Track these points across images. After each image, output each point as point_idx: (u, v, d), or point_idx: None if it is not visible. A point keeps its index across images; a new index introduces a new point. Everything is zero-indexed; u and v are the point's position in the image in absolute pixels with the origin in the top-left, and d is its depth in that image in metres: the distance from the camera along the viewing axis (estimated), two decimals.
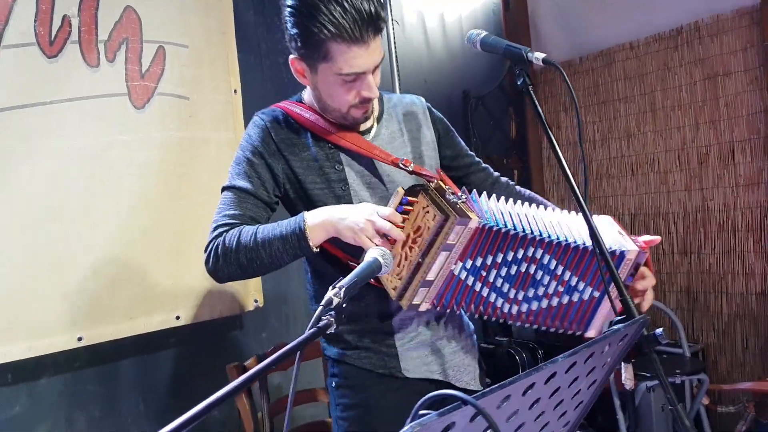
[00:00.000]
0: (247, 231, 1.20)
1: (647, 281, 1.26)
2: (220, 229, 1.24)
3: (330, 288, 0.91)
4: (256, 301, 2.26)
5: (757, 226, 2.78)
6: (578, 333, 1.27)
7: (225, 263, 1.21)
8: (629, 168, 3.21)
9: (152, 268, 1.99)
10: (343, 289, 0.91)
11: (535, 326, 1.27)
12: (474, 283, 1.20)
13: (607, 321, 1.26)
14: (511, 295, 1.23)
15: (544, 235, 1.19)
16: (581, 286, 1.23)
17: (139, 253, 1.96)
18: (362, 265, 1.00)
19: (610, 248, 1.18)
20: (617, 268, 1.16)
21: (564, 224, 1.24)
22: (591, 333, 1.27)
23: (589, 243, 1.19)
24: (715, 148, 2.89)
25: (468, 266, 1.18)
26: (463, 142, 1.47)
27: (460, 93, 3.27)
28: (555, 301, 1.24)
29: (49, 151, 1.78)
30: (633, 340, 0.92)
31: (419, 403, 0.63)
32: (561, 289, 1.23)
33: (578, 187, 1.15)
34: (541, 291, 1.23)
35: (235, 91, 2.20)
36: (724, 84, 2.83)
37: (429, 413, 0.61)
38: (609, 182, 3.27)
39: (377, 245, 1.12)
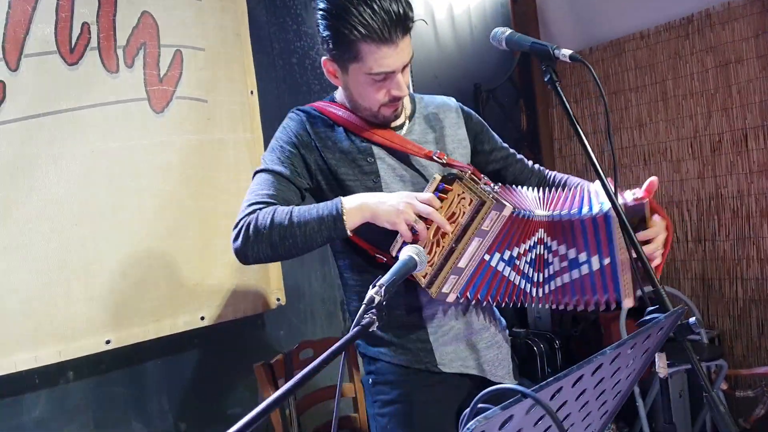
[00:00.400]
0: (282, 210, 1.21)
1: (648, 233, 1.20)
2: (255, 206, 1.24)
3: (371, 287, 0.93)
4: (278, 299, 2.29)
5: None
6: (613, 305, 1.24)
7: (256, 240, 1.20)
8: (642, 157, 3.22)
9: (177, 269, 2.01)
10: (384, 287, 0.94)
11: (560, 306, 1.27)
12: (510, 274, 1.23)
13: (637, 285, 1.22)
14: (535, 278, 1.25)
15: (548, 215, 1.20)
16: (582, 257, 1.22)
17: (163, 254, 1.98)
18: (399, 263, 1.02)
19: (594, 212, 1.17)
20: (611, 230, 1.17)
21: (576, 197, 1.25)
22: (627, 302, 1.23)
23: (574, 211, 1.18)
24: (727, 135, 2.89)
25: (506, 257, 1.21)
26: (497, 136, 1.51)
27: (471, 86, 3.27)
28: (567, 278, 1.24)
29: (74, 157, 1.80)
30: (671, 329, 0.93)
31: (478, 396, 0.65)
32: (565, 264, 1.23)
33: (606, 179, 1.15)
34: (551, 270, 1.24)
35: (252, 92, 2.22)
36: (736, 71, 2.83)
37: (489, 407, 0.63)
38: (622, 172, 3.28)
39: (415, 230, 1.14)
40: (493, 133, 1.50)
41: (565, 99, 1.19)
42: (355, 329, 0.90)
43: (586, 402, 0.84)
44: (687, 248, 3.09)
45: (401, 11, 1.17)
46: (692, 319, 1.02)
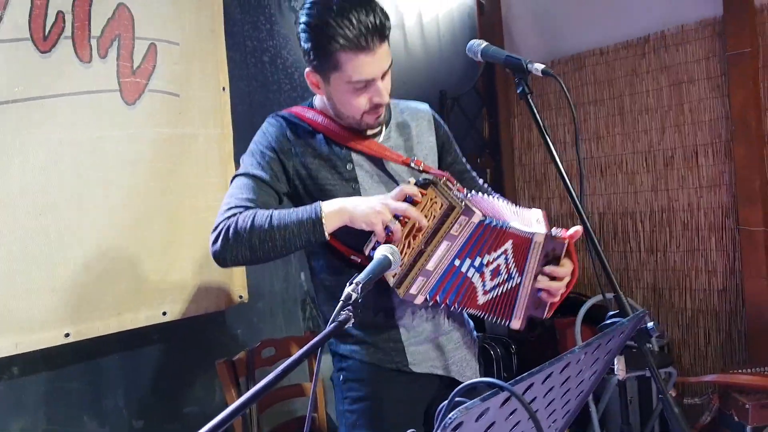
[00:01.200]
0: (262, 213, 1.24)
1: (558, 270, 1.26)
2: (234, 210, 1.26)
3: (348, 284, 0.96)
4: (240, 296, 2.28)
5: (719, 225, 2.94)
6: (506, 323, 1.31)
7: (235, 244, 1.23)
8: (598, 169, 3.35)
9: (141, 263, 1.99)
10: (360, 284, 0.97)
11: (481, 317, 1.32)
12: (477, 280, 1.28)
13: (529, 312, 1.30)
14: (488, 287, 1.30)
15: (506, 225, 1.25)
16: (515, 273, 1.27)
17: (128, 248, 1.96)
18: (374, 262, 1.05)
19: (522, 230, 1.23)
20: (529, 251, 1.24)
21: (518, 213, 1.30)
22: (515, 324, 1.30)
23: (530, 230, 1.24)
24: (679, 151, 3.04)
25: (476, 264, 1.26)
26: (459, 150, 1.56)
27: (437, 93, 3.33)
28: (501, 290, 1.30)
29: (41, 145, 1.76)
30: (631, 332, 1.00)
31: (456, 390, 0.69)
32: (506, 276, 1.29)
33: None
34: (500, 280, 1.29)
35: (224, 89, 2.22)
36: (689, 90, 2.98)
37: (465, 400, 0.67)
38: (585, 184, 3.39)
39: (389, 231, 1.19)
40: (456, 146, 1.55)
41: (536, 110, 1.24)
42: (333, 325, 0.92)
43: (552, 400, 0.89)
44: (640, 258, 3.22)
45: (378, 21, 1.22)
46: (650, 324, 1.09)
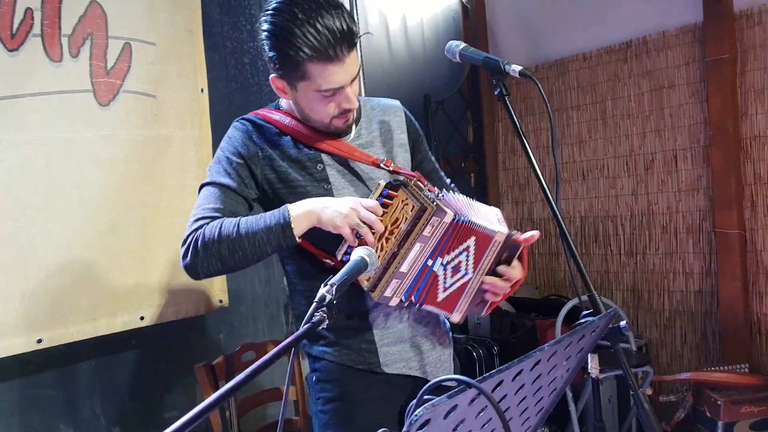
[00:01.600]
0: (229, 222, 1.22)
1: (510, 270, 1.29)
2: (201, 222, 1.24)
3: (322, 285, 0.95)
4: (221, 301, 2.26)
5: (696, 228, 2.97)
6: (447, 317, 1.33)
7: (205, 256, 1.21)
8: (580, 173, 3.36)
9: (116, 267, 1.96)
10: (335, 286, 0.95)
11: (422, 306, 1.32)
12: (445, 277, 1.28)
13: (470, 309, 1.32)
14: (447, 283, 1.30)
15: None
16: (471, 269, 1.28)
17: (102, 251, 1.92)
18: (350, 263, 1.04)
19: (486, 229, 1.24)
20: (487, 250, 1.25)
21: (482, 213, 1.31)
22: (455, 317, 1.32)
23: (493, 228, 1.25)
24: (659, 155, 3.06)
25: (445, 262, 1.25)
26: (429, 150, 1.55)
27: (421, 97, 3.34)
28: (456, 285, 1.30)
29: (11, 146, 1.73)
30: (604, 330, 0.99)
31: (425, 387, 0.68)
32: (464, 272, 1.29)
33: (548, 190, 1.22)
34: (459, 276, 1.29)
35: (202, 90, 2.19)
36: (669, 96, 3.01)
37: (433, 398, 0.66)
38: (561, 186, 3.41)
39: (357, 235, 1.17)
40: (426, 145, 1.54)
41: (513, 112, 1.24)
42: (306, 326, 0.91)
43: (524, 397, 0.88)
44: (620, 261, 3.24)
45: (345, 27, 1.19)
46: (623, 323, 1.09)
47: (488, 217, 1.29)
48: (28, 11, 1.76)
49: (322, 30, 1.17)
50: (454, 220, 1.22)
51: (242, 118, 1.38)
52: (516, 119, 1.24)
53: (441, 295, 1.31)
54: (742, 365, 2.66)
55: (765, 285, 2.75)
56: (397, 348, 1.37)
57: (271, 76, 1.30)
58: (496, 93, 1.24)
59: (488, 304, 1.33)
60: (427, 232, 1.21)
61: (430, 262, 1.25)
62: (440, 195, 1.25)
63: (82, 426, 1.98)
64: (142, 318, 2.03)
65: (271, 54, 1.24)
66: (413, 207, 1.21)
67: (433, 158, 1.55)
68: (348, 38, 1.20)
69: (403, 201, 1.23)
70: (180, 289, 2.13)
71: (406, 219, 1.21)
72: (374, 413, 1.32)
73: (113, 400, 2.05)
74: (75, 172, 1.86)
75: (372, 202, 1.22)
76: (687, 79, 2.94)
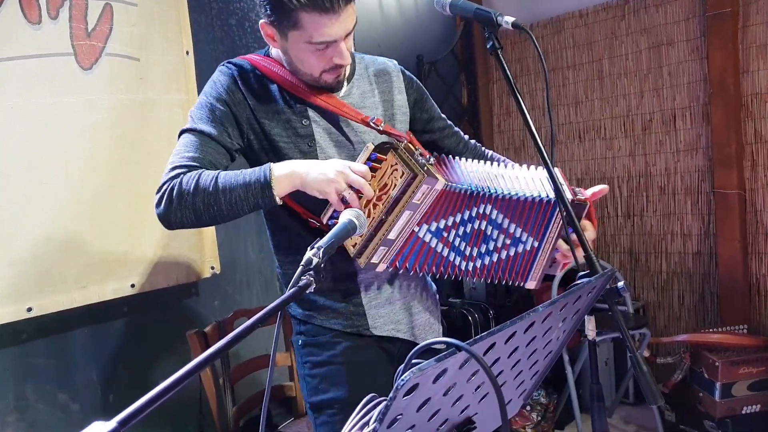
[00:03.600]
0: (207, 175, 1.16)
1: (587, 233, 1.22)
2: (178, 170, 1.18)
3: (308, 248, 0.91)
4: (212, 268, 2.23)
5: (694, 189, 2.93)
6: (520, 284, 1.29)
7: (179, 206, 1.16)
8: (577, 134, 3.31)
9: (105, 234, 1.93)
10: (322, 249, 0.92)
11: (486, 280, 1.30)
12: (436, 245, 1.24)
13: (544, 272, 1.29)
14: (467, 252, 1.26)
15: (499, 192, 1.22)
16: (524, 236, 1.25)
17: (90, 218, 1.89)
18: (338, 226, 1.00)
19: (545, 197, 1.20)
20: (552, 218, 1.20)
21: (521, 178, 1.25)
22: (531, 284, 1.29)
23: (530, 193, 1.21)
24: (657, 115, 3.01)
25: (433, 229, 1.22)
26: (436, 106, 1.48)
27: (414, 57, 3.26)
28: (504, 254, 1.27)
29: None
30: (601, 291, 0.97)
31: (413, 350, 0.65)
32: (508, 241, 1.26)
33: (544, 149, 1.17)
34: (491, 245, 1.26)
35: (188, 53, 2.13)
36: (668, 53, 2.94)
37: (422, 362, 0.63)
38: (557, 148, 3.37)
39: (344, 200, 1.13)
40: (433, 102, 1.48)
41: (506, 66, 1.19)
42: (292, 290, 0.88)
43: (518, 360, 0.86)
44: (617, 223, 3.22)
45: None
46: (620, 284, 1.06)
47: (519, 182, 1.23)
48: None
49: None
50: (445, 187, 1.17)
51: (229, 62, 1.30)
52: (509, 73, 1.18)
53: (468, 264, 1.27)
54: (740, 326, 2.66)
55: (765, 245, 2.73)
56: (385, 310, 1.34)
57: (261, 21, 1.23)
58: (488, 47, 1.18)
59: (560, 265, 1.29)
60: (417, 199, 1.17)
61: (416, 229, 1.22)
62: (431, 159, 1.20)
63: (77, 393, 1.98)
64: (132, 285, 2.01)
65: None
66: (403, 173, 1.15)
67: (443, 116, 1.48)
68: None
69: (392, 165, 1.17)
70: (171, 256, 2.10)
71: (395, 185, 1.16)
72: (364, 375, 1.30)
73: (108, 368, 2.05)
74: (59, 139, 1.81)
75: (362, 166, 1.16)
76: (687, 35, 2.87)
